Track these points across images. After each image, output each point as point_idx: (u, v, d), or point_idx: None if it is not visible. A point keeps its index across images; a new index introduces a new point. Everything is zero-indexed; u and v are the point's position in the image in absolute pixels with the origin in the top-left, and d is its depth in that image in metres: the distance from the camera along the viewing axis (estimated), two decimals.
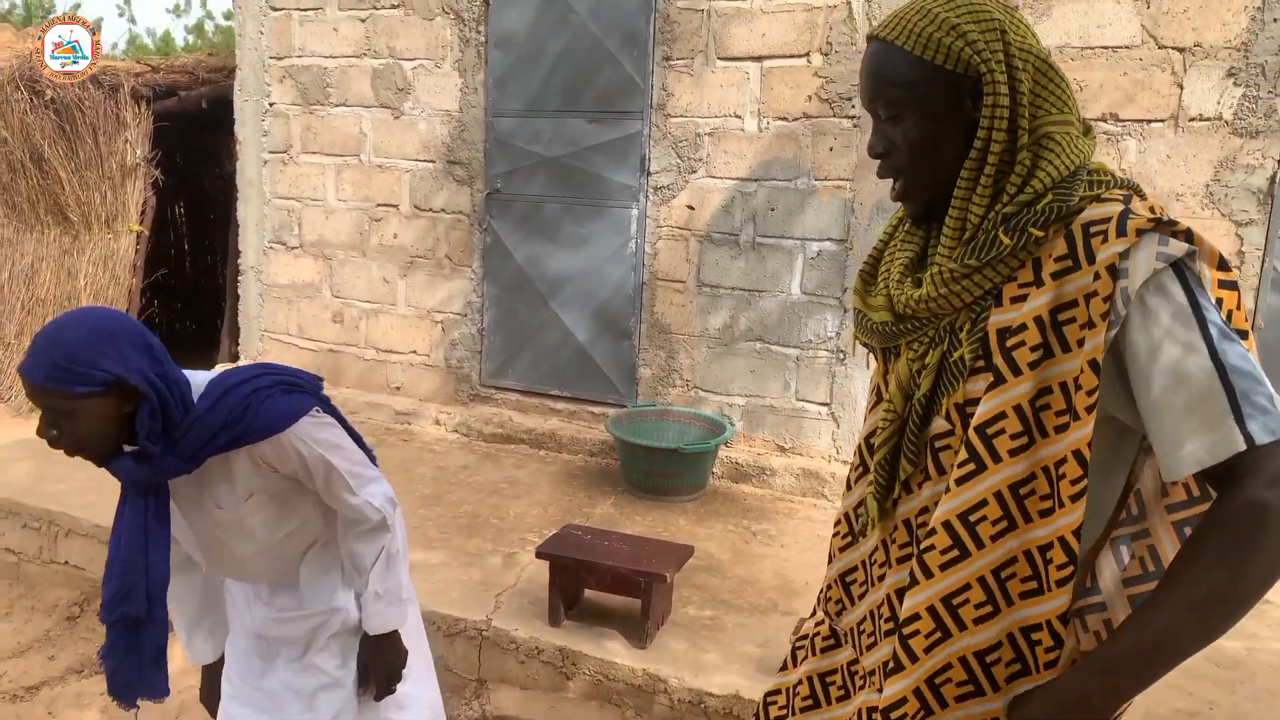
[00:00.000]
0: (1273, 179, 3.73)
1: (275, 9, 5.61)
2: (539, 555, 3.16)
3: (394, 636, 1.99)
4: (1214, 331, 1.02)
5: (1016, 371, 1.11)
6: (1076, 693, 1.03)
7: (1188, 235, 1.06)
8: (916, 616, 1.16)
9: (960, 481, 1.14)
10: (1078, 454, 1.06)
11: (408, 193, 5.38)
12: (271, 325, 5.94)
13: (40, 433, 1.59)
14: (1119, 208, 1.08)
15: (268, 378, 1.76)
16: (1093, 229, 1.08)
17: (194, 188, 8.80)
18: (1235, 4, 3.69)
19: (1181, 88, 3.81)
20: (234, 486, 1.80)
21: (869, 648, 1.33)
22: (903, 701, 1.18)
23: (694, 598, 3.40)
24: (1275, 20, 3.64)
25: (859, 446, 1.37)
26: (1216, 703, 2.89)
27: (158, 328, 7.91)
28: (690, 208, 4.69)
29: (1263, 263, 3.79)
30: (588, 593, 3.31)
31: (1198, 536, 1.01)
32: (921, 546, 1.17)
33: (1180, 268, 1.05)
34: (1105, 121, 3.93)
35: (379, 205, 5.48)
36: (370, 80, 5.38)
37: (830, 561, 1.46)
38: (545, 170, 5.00)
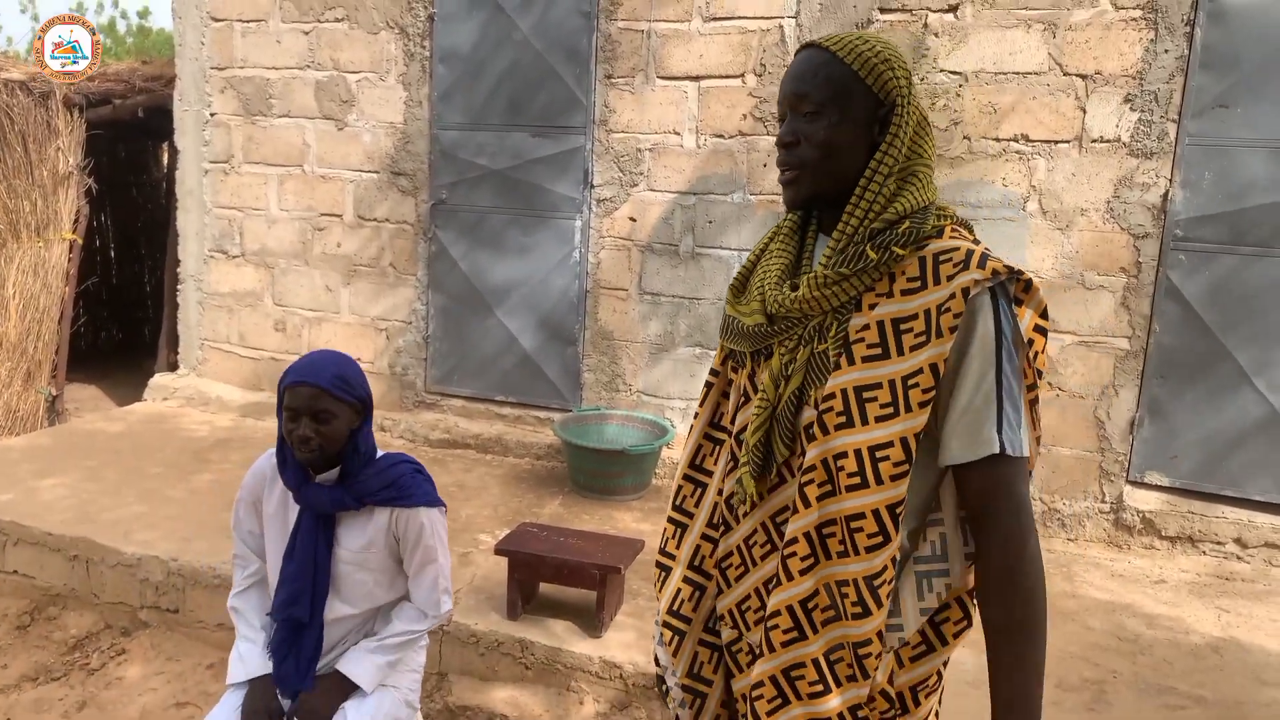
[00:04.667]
0: (1165, 196, 4.08)
1: (217, 20, 5.64)
2: (498, 551, 3.30)
3: (347, 687, 2.18)
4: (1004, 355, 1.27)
5: (851, 361, 1.31)
6: None
7: (1027, 285, 1.31)
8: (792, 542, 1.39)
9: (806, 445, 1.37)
10: (904, 441, 1.26)
11: (351, 203, 5.47)
12: (212, 334, 5.94)
13: (293, 433, 2.05)
14: (970, 245, 1.31)
15: (416, 467, 2.23)
16: (942, 257, 1.29)
17: (122, 195, 8.67)
18: (1131, 36, 4.04)
19: (1084, 112, 4.14)
20: (365, 535, 2.18)
21: (756, 623, 1.46)
22: (778, 614, 1.38)
23: (644, 589, 3.58)
24: (1166, 51, 4.00)
25: (729, 444, 1.51)
26: (1119, 672, 3.18)
27: (87, 336, 7.79)
28: (632, 219, 4.88)
29: (1157, 272, 4.14)
30: (542, 586, 3.46)
31: (984, 585, 1.30)
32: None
33: (1003, 300, 1.29)
34: (1017, 142, 4.25)
35: (322, 215, 5.55)
36: (314, 92, 5.45)
37: (670, 555, 1.64)
38: (490, 182, 5.14)
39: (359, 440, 2.13)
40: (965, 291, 1.25)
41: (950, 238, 1.33)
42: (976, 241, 1.36)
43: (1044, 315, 1.33)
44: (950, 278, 1.27)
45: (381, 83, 5.28)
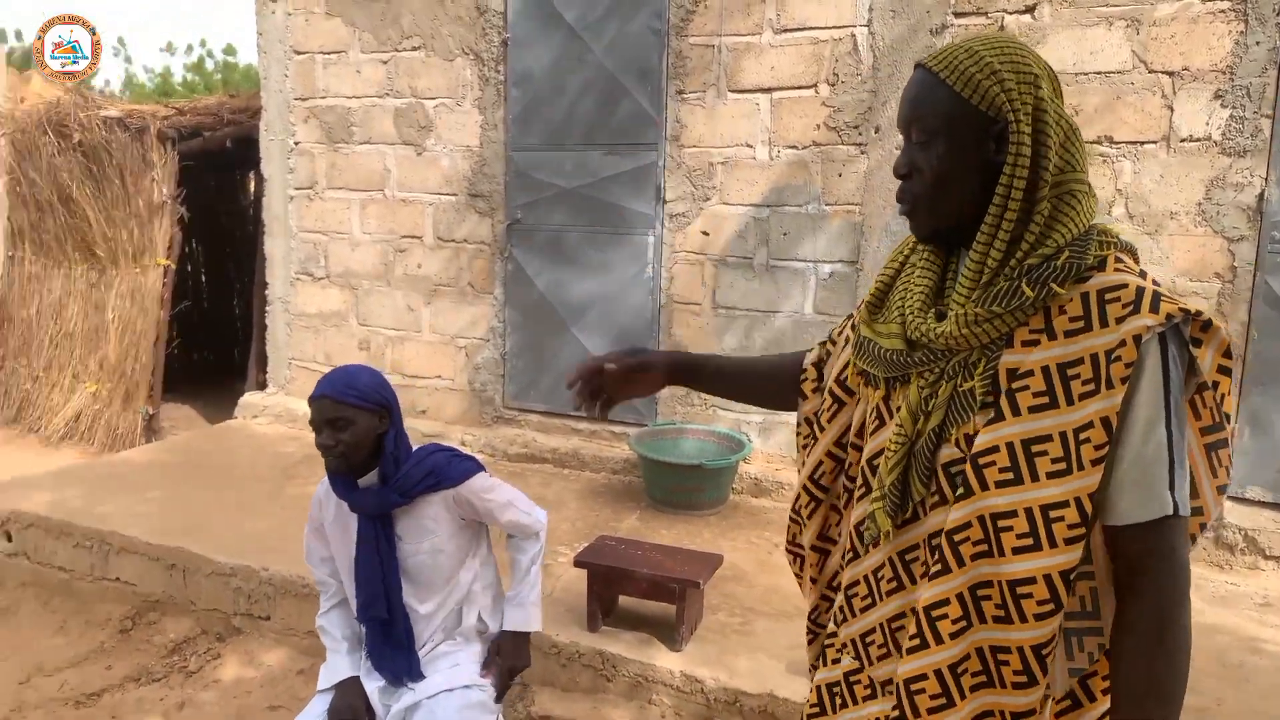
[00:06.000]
0: (1261, 196, 3.93)
1: (299, 53, 5.85)
2: (577, 564, 3.33)
3: (527, 638, 2.43)
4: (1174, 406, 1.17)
5: (1016, 412, 1.20)
6: None
7: (1206, 324, 1.20)
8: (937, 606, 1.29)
9: (956, 500, 1.26)
10: (1079, 501, 1.16)
11: (431, 224, 5.59)
12: (299, 354, 6.12)
13: (319, 443, 2.19)
14: (1138, 281, 1.18)
15: (451, 452, 2.36)
16: (1109, 295, 1.17)
17: (212, 222, 9.02)
18: (1220, 29, 3.91)
19: (1172, 110, 4.02)
20: (423, 524, 2.29)
21: (880, 659, 1.39)
22: (923, 677, 1.29)
23: (723, 605, 3.56)
24: (1258, 44, 3.86)
25: (861, 467, 1.42)
26: (1224, 699, 3.04)
27: (181, 357, 8.10)
28: (705, 233, 4.89)
29: (1254, 276, 3.98)
30: (621, 599, 3.47)
31: (1124, 643, 1.20)
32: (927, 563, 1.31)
33: (1174, 344, 1.18)
34: (1101, 144, 4.14)
35: (403, 237, 5.69)
36: (393, 119, 5.61)
37: (809, 580, 1.58)
38: (565, 201, 5.21)
39: (387, 441, 2.24)
40: (1137, 339, 1.14)
41: (1115, 270, 1.20)
42: (1143, 273, 1.23)
43: (1227, 354, 1.21)
44: (1120, 320, 1.16)
45: (458, 107, 5.40)
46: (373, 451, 2.23)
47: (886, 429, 1.36)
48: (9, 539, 4.30)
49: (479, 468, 2.36)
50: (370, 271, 5.83)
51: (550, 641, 3.27)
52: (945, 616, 1.26)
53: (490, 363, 5.52)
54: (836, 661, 1.48)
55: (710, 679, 3.07)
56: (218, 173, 8.74)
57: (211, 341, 9.36)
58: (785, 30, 4.61)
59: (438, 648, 2.37)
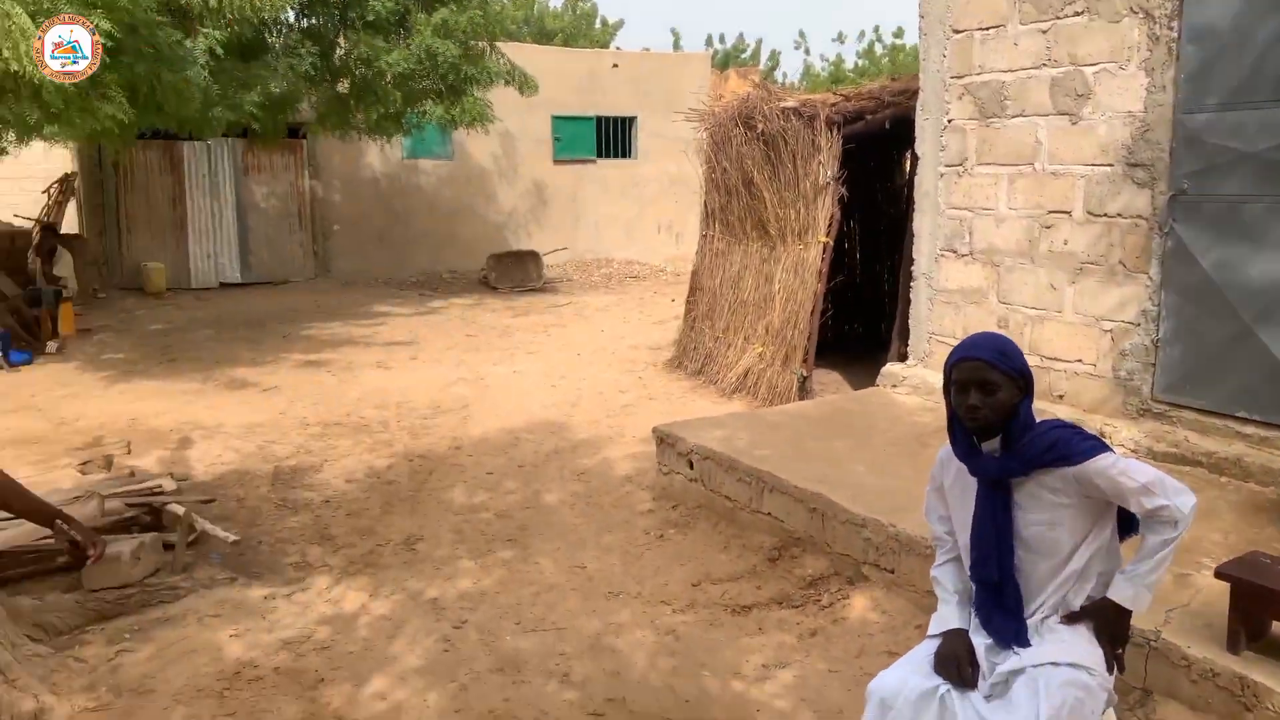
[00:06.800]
0: None
1: (957, 31, 5.99)
2: (1218, 575, 3.01)
3: (1128, 615, 2.34)
4: None
5: None
6: None
7: None
8: None
9: None
10: None
11: (1081, 198, 5.35)
12: (939, 329, 6.35)
13: (962, 404, 2.31)
14: None
15: (1075, 429, 2.34)
16: None
17: (868, 201, 9.68)
18: None
19: None
20: (1041, 496, 2.33)
21: None
22: None
23: None
24: None
25: None
26: None
27: (833, 328, 8.91)
28: None
29: None
30: (1276, 625, 3.04)
31: None
32: None
33: None
34: None
35: (1049, 212, 5.54)
36: (1048, 89, 5.46)
37: None
38: (1245, 167, 4.58)
39: (1021, 411, 2.30)
40: None
41: None
42: None
43: None
44: None
45: (1120, 71, 5.05)
46: (1005, 419, 2.31)
47: None
48: (691, 466, 5.27)
49: (1104, 447, 2.30)
50: (1013, 248, 5.79)
51: (1180, 653, 3.03)
52: None
53: (1139, 349, 5.11)
54: None
55: None
56: (876, 153, 9.34)
57: (860, 314, 10.09)
58: None
59: (1046, 621, 2.39)
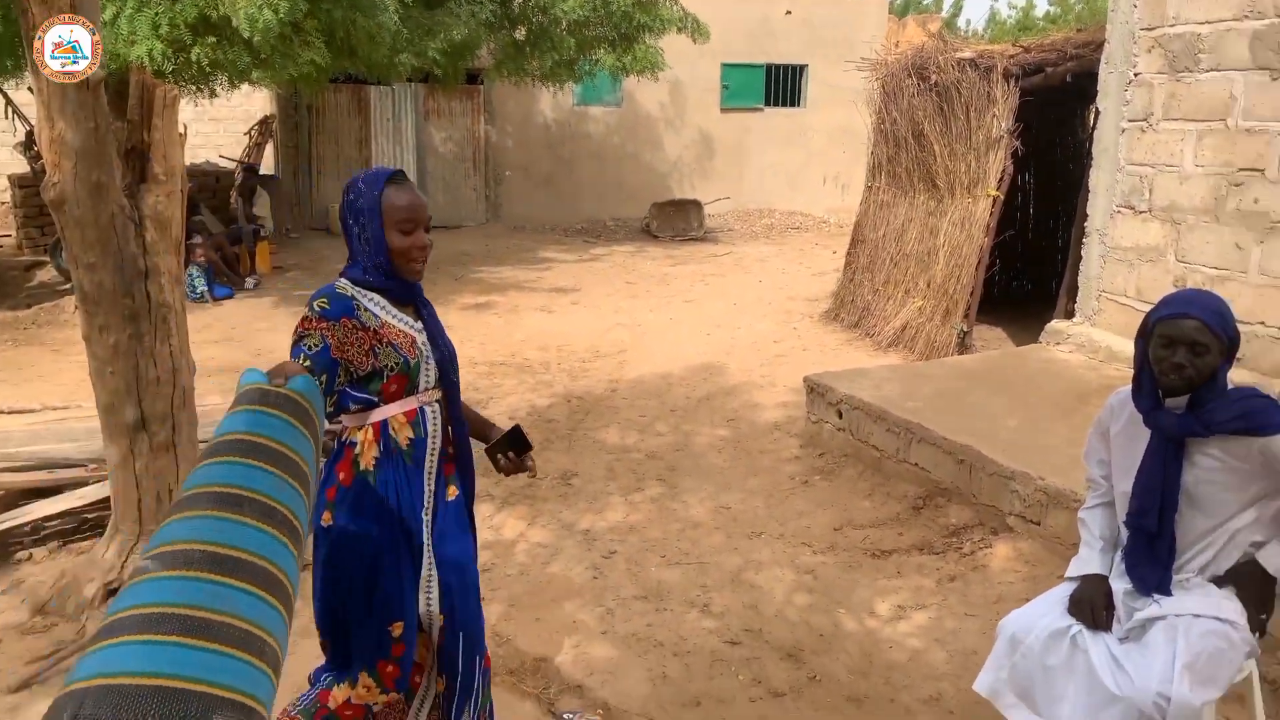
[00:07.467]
0: None
1: None
2: None
3: (1274, 584, 2.35)
4: None
5: None
6: None
7: None
8: None
9: None
10: None
11: (1277, 157, 5.03)
12: (1110, 287, 6.13)
13: (1165, 360, 2.24)
14: None
15: (1271, 401, 2.28)
16: None
17: (1045, 156, 9.30)
18: None
19: None
20: (1216, 459, 2.29)
21: None
22: None
23: None
24: None
25: None
26: None
27: (999, 284, 8.69)
28: None
29: None
30: None
31: None
32: None
33: None
34: None
35: (1240, 170, 5.24)
36: (1249, 43, 5.13)
37: None
38: None
39: (1220, 374, 2.25)
40: None
41: None
42: None
43: None
44: None
45: None
46: (1203, 380, 2.25)
47: None
48: (839, 415, 5.36)
49: None
50: (1196, 206, 5.51)
51: None
52: None
53: None
54: None
55: None
56: (1056, 107, 8.94)
57: (1030, 270, 9.76)
58: None
59: (1192, 578, 2.38)
